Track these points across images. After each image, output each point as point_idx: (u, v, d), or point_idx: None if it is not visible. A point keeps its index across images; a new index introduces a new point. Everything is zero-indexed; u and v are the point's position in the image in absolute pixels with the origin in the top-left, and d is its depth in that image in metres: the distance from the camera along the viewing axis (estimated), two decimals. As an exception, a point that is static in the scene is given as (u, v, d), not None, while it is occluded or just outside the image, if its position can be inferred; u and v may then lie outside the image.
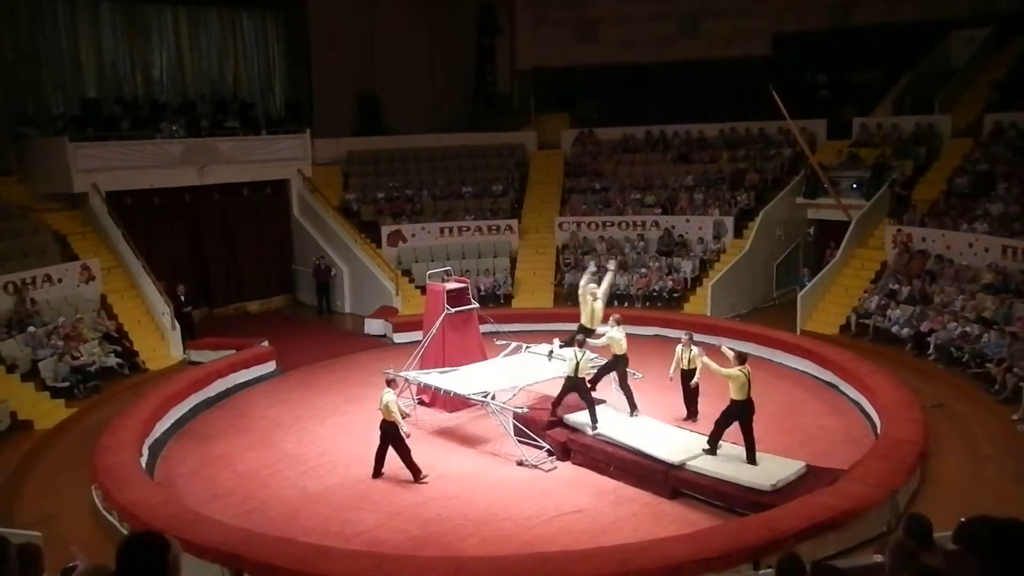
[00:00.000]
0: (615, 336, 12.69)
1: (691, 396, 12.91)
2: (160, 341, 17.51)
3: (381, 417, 11.29)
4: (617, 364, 12.85)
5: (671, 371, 12.89)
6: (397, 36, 25.40)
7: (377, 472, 11.39)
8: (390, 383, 11.81)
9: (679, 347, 12.82)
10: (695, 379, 12.61)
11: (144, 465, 11.51)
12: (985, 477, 10.72)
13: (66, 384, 14.81)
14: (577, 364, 11.91)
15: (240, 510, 10.51)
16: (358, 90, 25.58)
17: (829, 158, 21.32)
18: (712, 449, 10.80)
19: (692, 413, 12.97)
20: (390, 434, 11.22)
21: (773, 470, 10.26)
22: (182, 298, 18.46)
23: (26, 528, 8.56)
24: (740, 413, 10.67)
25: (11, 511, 10.39)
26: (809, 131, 21.82)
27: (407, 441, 11.26)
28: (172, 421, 13.65)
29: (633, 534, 9.41)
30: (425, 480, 11.20)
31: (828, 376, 14.78)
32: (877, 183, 19.78)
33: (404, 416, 11.61)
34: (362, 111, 25.91)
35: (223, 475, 11.77)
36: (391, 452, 11.28)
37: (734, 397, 10.69)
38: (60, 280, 16.93)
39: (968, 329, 15.04)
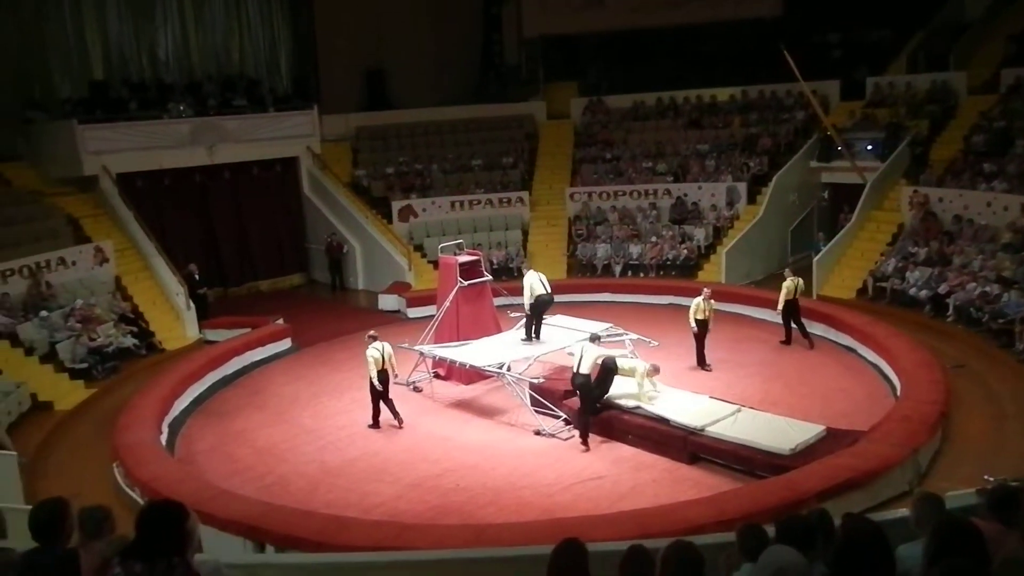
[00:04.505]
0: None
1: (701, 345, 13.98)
2: (175, 321, 17.57)
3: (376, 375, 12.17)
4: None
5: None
6: (402, 8, 25.13)
7: (396, 416, 12.21)
8: (373, 338, 12.42)
9: (699, 298, 13.99)
10: (703, 327, 13.92)
11: (164, 443, 11.59)
12: (1007, 435, 10.62)
13: (84, 365, 14.89)
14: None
15: (260, 485, 10.58)
16: (364, 64, 25.35)
17: (843, 120, 20.99)
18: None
19: (701, 361, 13.93)
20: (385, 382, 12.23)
21: (793, 434, 10.20)
22: (196, 277, 18.49)
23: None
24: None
25: (35, 490, 10.44)
26: (822, 93, 21.46)
27: (392, 383, 12.48)
28: (190, 399, 13.71)
29: (653, 499, 9.40)
30: (373, 427, 12.20)
31: (846, 340, 14.67)
32: (892, 144, 19.49)
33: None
34: (369, 85, 25.71)
35: (242, 451, 11.84)
36: (392, 397, 12.37)
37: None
38: (74, 263, 16.98)
39: (988, 289, 14.85)
